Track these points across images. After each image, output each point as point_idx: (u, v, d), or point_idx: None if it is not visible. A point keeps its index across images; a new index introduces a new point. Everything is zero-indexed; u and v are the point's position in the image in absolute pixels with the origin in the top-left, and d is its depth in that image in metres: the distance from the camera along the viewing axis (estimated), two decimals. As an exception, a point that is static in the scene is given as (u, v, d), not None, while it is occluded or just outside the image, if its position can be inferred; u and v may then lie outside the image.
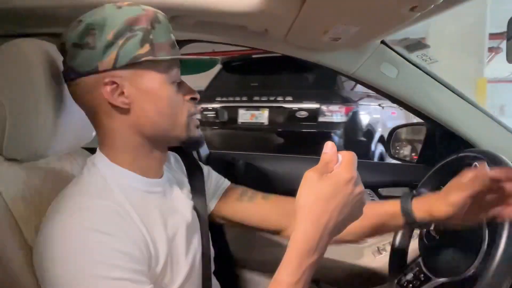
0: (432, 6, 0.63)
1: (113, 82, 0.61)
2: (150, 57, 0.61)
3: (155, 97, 0.64)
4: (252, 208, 0.86)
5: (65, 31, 0.63)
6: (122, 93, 0.62)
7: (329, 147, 0.55)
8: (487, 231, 0.65)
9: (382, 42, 1.00)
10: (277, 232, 0.87)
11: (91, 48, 0.60)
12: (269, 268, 1.30)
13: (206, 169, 0.89)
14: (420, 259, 0.76)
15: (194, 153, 1.33)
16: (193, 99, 0.69)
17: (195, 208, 0.80)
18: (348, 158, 0.55)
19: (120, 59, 0.60)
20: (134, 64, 0.61)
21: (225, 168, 1.33)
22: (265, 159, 1.46)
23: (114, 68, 0.61)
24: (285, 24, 0.84)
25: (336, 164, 0.55)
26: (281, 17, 0.80)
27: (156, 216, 0.66)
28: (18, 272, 0.61)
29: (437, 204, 0.70)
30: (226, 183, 0.91)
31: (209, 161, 1.36)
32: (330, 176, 0.54)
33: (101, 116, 0.64)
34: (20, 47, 0.67)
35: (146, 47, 0.61)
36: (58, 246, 0.54)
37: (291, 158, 1.43)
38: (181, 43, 1.10)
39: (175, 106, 0.66)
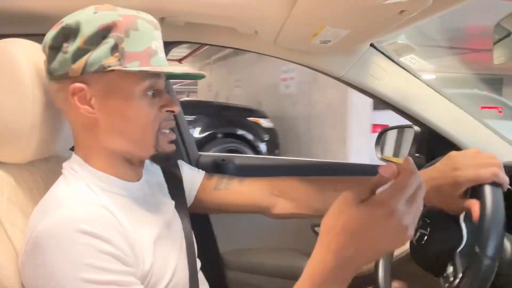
0: (420, 10, 0.64)
1: (81, 89, 0.60)
2: (117, 67, 0.59)
3: (122, 109, 0.62)
4: (229, 195, 0.89)
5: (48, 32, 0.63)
6: (90, 100, 0.61)
7: (388, 168, 0.47)
8: (465, 232, 0.66)
9: (372, 45, 1.00)
10: (259, 212, 0.91)
11: (64, 53, 0.60)
12: (258, 269, 1.29)
13: (179, 163, 0.90)
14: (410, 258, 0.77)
15: (184, 156, 1.32)
16: (169, 111, 0.67)
17: (176, 207, 0.80)
18: (398, 184, 0.46)
19: (88, 67, 0.59)
20: (103, 73, 0.60)
21: (215, 170, 1.33)
22: (255, 161, 1.46)
23: (82, 74, 0.60)
24: (275, 26, 0.85)
25: (380, 188, 0.47)
26: (270, 19, 0.81)
27: (138, 218, 0.66)
28: (4, 278, 0.60)
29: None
30: (200, 174, 0.92)
31: (199, 163, 1.36)
32: (367, 203, 0.47)
33: (72, 121, 0.65)
34: (7, 48, 0.66)
35: (116, 57, 0.59)
36: (44, 250, 0.53)
37: (283, 160, 1.43)
38: (170, 44, 1.09)
39: (144, 118, 0.63)
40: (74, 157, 0.66)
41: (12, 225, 0.63)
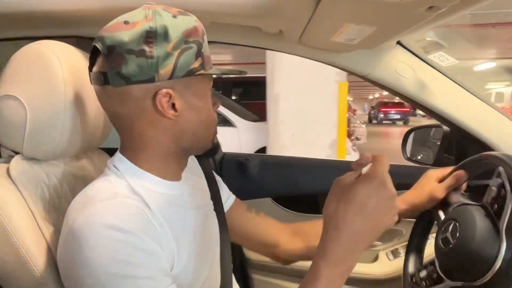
0: (449, 6, 0.62)
1: (167, 93, 0.60)
2: (203, 71, 0.62)
3: (200, 109, 0.65)
4: (257, 219, 0.91)
5: (110, 32, 0.59)
6: (173, 104, 0.62)
7: (364, 157, 0.56)
8: (505, 242, 0.63)
9: (398, 42, 0.99)
10: (271, 246, 0.91)
11: (148, 57, 0.58)
12: (283, 270, 1.29)
13: (218, 178, 0.90)
14: (435, 260, 0.75)
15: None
16: (217, 107, 0.71)
17: (215, 209, 0.80)
18: (377, 160, 0.54)
19: (177, 72, 0.60)
20: (188, 77, 0.61)
21: (239, 168, 1.34)
22: (279, 161, 1.45)
23: (170, 79, 0.60)
24: (300, 25, 0.84)
25: (365, 168, 0.55)
26: (295, 18, 0.80)
27: (178, 218, 0.66)
28: (38, 271, 0.62)
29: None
30: (233, 196, 0.93)
31: (223, 162, 1.37)
32: (359, 180, 0.54)
33: (143, 124, 0.63)
34: (41, 49, 0.68)
35: (199, 61, 0.62)
36: (82, 245, 0.54)
37: (307, 160, 1.42)
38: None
39: (211, 117, 0.68)
40: (120, 156, 0.66)
41: (44, 219, 0.66)
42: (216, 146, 0.73)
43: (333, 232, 0.53)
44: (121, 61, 0.58)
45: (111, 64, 0.59)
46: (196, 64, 0.61)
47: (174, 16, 0.60)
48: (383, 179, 0.53)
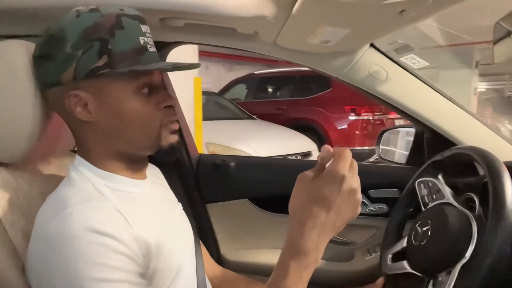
0: (420, 9, 0.64)
1: (76, 95, 0.60)
2: (107, 70, 0.59)
3: (119, 110, 0.61)
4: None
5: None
6: (86, 105, 0.61)
7: (325, 150, 0.56)
8: (474, 243, 0.65)
9: (371, 45, 1.00)
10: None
11: (52, 61, 0.59)
12: (259, 270, 1.29)
13: None
14: (407, 255, 0.78)
15: (184, 156, 1.32)
16: (168, 107, 0.65)
17: (184, 208, 0.81)
18: (339, 155, 0.55)
19: (79, 72, 0.59)
20: (95, 77, 0.59)
21: (216, 170, 1.33)
22: (256, 162, 1.46)
23: (74, 81, 0.59)
24: (275, 26, 0.85)
25: (328, 163, 0.55)
26: (271, 19, 0.81)
27: (145, 216, 0.65)
28: (5, 277, 0.60)
29: None
30: None
31: (199, 163, 1.36)
32: (321, 176, 0.54)
33: (72, 126, 0.65)
34: (5, 49, 0.66)
35: (104, 59, 0.58)
36: (57, 249, 0.53)
37: (283, 161, 1.43)
38: (170, 45, 1.09)
39: (143, 118, 0.63)
40: (78, 158, 0.66)
41: (12, 225, 0.64)
42: (171, 148, 0.66)
43: (298, 225, 0.54)
44: (37, 66, 0.62)
45: (37, 71, 0.63)
46: (99, 63, 0.58)
47: (78, 15, 0.59)
48: (345, 174, 0.53)
